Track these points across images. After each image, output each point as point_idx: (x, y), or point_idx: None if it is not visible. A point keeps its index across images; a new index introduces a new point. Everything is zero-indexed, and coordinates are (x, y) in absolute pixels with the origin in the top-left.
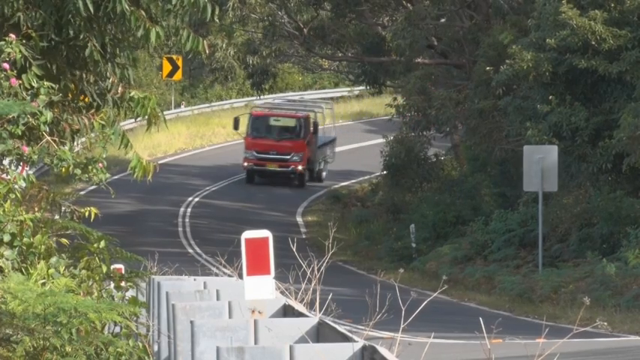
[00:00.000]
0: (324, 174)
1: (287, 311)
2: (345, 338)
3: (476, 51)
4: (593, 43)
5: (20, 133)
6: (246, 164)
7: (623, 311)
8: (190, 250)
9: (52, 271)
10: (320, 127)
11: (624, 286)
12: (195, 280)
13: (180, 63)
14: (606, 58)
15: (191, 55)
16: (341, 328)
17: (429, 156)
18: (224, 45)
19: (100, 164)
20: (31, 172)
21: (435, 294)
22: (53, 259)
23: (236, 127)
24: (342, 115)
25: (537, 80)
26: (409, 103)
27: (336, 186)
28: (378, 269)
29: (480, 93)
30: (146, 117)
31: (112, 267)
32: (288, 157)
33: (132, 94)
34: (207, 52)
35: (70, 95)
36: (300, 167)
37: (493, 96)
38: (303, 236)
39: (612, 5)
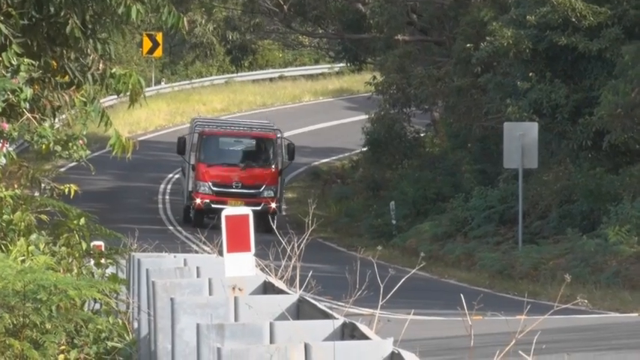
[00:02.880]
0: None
1: (267, 288)
2: (325, 315)
3: (456, 28)
4: (574, 20)
5: (0, 110)
6: (198, 201)
7: (603, 288)
8: (170, 227)
9: (31, 248)
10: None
11: (604, 262)
12: (175, 257)
13: (160, 40)
14: (586, 36)
15: (172, 31)
16: (321, 305)
17: (409, 133)
18: (203, 21)
19: (81, 141)
20: (11, 148)
21: (414, 270)
22: (33, 236)
23: (181, 150)
24: (322, 92)
25: (517, 57)
26: (388, 80)
27: (316, 163)
28: (358, 246)
29: (460, 70)
30: (127, 93)
31: (92, 244)
32: (258, 190)
33: (113, 71)
34: (187, 28)
35: (50, 72)
36: (273, 205)
37: (472, 74)
38: (283, 213)
39: None
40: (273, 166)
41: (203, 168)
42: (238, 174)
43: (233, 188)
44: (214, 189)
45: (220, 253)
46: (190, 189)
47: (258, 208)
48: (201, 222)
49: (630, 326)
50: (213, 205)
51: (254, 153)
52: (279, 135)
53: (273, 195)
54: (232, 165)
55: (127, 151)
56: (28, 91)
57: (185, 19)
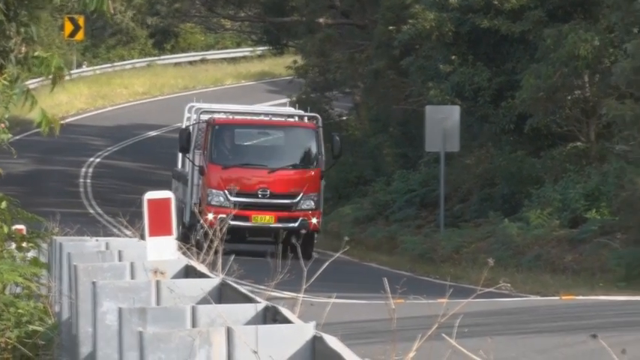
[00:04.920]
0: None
1: (189, 272)
2: (248, 299)
3: (378, 11)
4: (496, 2)
5: None
6: (210, 216)
7: (525, 271)
8: (92, 211)
9: None
10: None
11: (525, 246)
12: (97, 241)
13: (82, 23)
14: (509, 18)
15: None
16: (243, 289)
17: (331, 116)
18: (123, 8)
19: (2, 124)
20: None
21: (337, 255)
22: None
23: (186, 146)
24: (244, 76)
25: (440, 40)
26: (308, 64)
27: None
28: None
29: (381, 54)
30: (50, 76)
31: (13, 227)
32: (294, 200)
33: (36, 54)
34: (112, 11)
35: None
36: (314, 220)
37: (389, 57)
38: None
39: None
40: (313, 168)
41: (216, 171)
42: (265, 179)
43: (259, 198)
44: (232, 199)
45: (142, 237)
46: (196, 201)
47: (295, 224)
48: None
49: (552, 309)
50: (231, 222)
51: (287, 149)
52: (319, 125)
53: (314, 207)
54: (257, 166)
55: (55, 128)
56: None
57: (109, 1)
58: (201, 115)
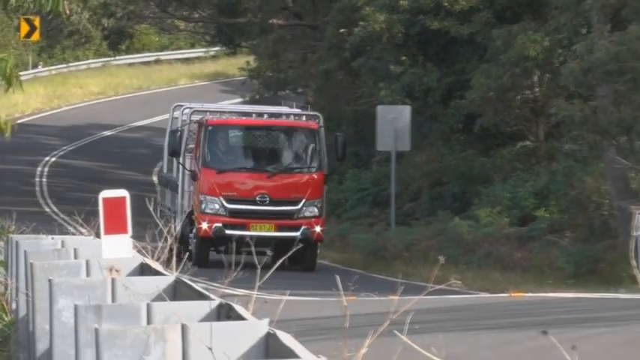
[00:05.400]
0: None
1: (144, 270)
2: (202, 296)
3: (330, 13)
4: (446, 4)
5: None
6: (204, 226)
7: (475, 269)
8: (47, 209)
9: None
10: None
11: (475, 244)
12: (53, 239)
13: (37, 24)
14: (458, 20)
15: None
16: (197, 286)
17: None
18: (79, 9)
19: None
20: None
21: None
22: None
23: (176, 149)
24: (197, 76)
25: (390, 42)
26: (261, 66)
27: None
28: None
29: (333, 55)
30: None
31: None
32: (296, 207)
33: None
34: (67, 12)
35: None
36: (318, 228)
37: (341, 58)
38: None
39: None
40: (316, 171)
41: (211, 176)
42: (264, 183)
43: (257, 205)
44: (229, 206)
45: (98, 235)
46: (188, 209)
47: (297, 233)
48: (206, 258)
49: (501, 306)
50: (227, 231)
51: (286, 151)
52: (321, 124)
53: (317, 213)
54: (255, 170)
55: (6, 132)
56: None
57: (65, 2)
58: (192, 116)
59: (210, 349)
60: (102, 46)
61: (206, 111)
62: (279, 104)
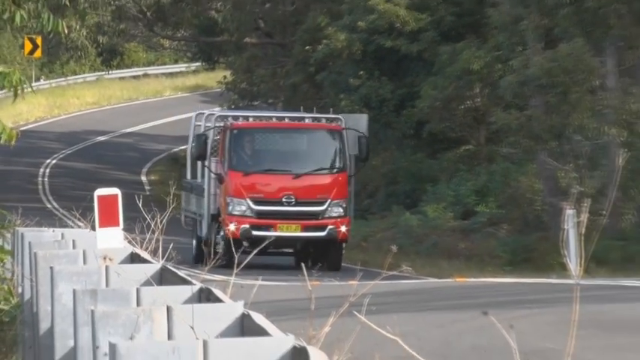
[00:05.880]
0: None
1: (134, 258)
2: (185, 282)
3: (297, 32)
4: (398, 25)
5: None
6: (232, 227)
7: (424, 257)
8: (49, 206)
9: None
10: None
11: (424, 235)
12: (53, 231)
13: (39, 42)
14: (408, 39)
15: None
16: (181, 273)
17: None
18: (78, 27)
19: None
20: None
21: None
22: None
23: (202, 154)
24: (180, 88)
25: (350, 58)
26: (236, 80)
27: (175, 149)
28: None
29: (299, 70)
30: (12, 89)
31: None
32: (321, 207)
33: None
34: (66, 32)
35: None
36: (343, 228)
37: (306, 72)
38: (148, 193)
39: None
40: (340, 172)
41: (237, 178)
42: (290, 184)
43: (283, 206)
44: (255, 208)
45: (93, 228)
46: (214, 212)
47: (322, 233)
48: (234, 259)
49: (447, 290)
50: (254, 232)
51: (311, 153)
52: (343, 126)
53: (343, 213)
54: (280, 172)
55: (11, 139)
56: None
57: (64, 24)
58: (216, 122)
59: (192, 327)
60: (96, 62)
61: (230, 116)
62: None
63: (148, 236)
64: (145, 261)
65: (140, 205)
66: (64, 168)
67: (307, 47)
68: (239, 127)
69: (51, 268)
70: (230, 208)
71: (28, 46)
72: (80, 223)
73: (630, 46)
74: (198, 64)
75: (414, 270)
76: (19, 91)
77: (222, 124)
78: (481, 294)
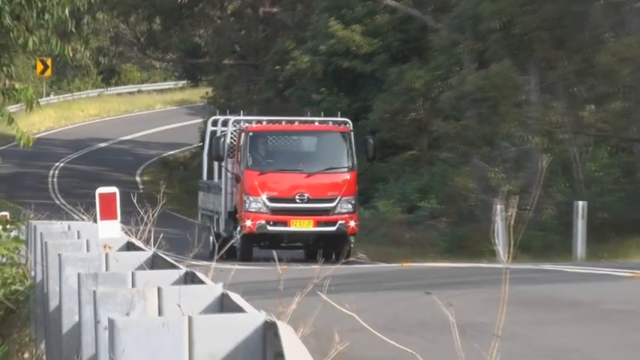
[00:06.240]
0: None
1: (130, 246)
2: (173, 266)
3: (267, 55)
4: (354, 49)
5: None
6: (249, 223)
7: (375, 245)
8: (57, 202)
9: None
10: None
11: (376, 227)
12: (61, 223)
13: (49, 63)
14: (363, 60)
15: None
16: (169, 259)
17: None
18: (82, 50)
19: None
20: None
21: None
22: None
23: (220, 154)
24: (169, 102)
25: (313, 76)
26: (216, 95)
27: (165, 154)
28: (197, 216)
29: (270, 87)
30: (27, 102)
31: (0, 214)
32: (332, 204)
33: (16, 86)
34: (71, 54)
35: None
36: (352, 223)
37: (276, 89)
38: (141, 191)
39: (368, 21)
40: (349, 170)
41: (253, 177)
42: (303, 183)
43: (297, 203)
44: (270, 205)
45: (95, 221)
46: (231, 209)
47: (333, 228)
48: (250, 254)
49: (395, 273)
50: (270, 227)
51: (322, 153)
52: (351, 128)
53: (351, 210)
54: (294, 171)
55: (30, 143)
56: None
57: (70, 48)
58: (232, 126)
59: (179, 306)
60: (97, 80)
61: (245, 120)
62: None
63: (141, 228)
64: (138, 249)
65: (135, 201)
66: (71, 170)
67: (277, 67)
68: (255, 130)
69: (59, 254)
70: (247, 205)
71: (40, 66)
72: (84, 217)
73: (551, 66)
74: (184, 81)
75: (368, 256)
76: (33, 104)
77: (238, 128)
78: (424, 276)
